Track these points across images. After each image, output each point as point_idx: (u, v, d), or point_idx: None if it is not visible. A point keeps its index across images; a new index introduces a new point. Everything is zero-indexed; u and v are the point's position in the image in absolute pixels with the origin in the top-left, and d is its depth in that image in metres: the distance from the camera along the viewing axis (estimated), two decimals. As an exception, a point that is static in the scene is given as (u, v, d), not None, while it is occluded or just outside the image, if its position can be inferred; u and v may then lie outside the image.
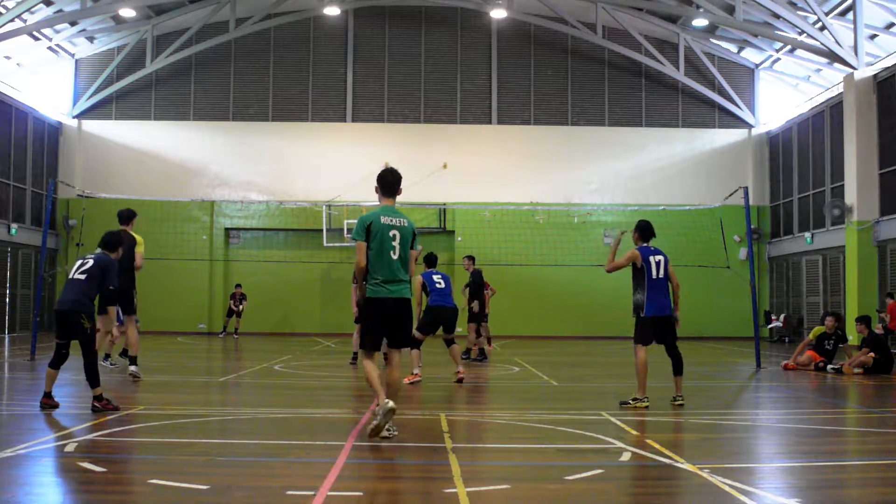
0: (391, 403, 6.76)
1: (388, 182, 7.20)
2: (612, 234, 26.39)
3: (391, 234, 6.97)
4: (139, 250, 11.40)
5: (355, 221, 7.43)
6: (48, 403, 8.31)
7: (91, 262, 8.62)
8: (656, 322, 9.22)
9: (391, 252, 6.96)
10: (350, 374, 13.39)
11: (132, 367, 11.26)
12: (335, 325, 24.89)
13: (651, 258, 9.20)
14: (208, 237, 26.45)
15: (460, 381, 11.50)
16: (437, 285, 11.78)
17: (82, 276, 8.50)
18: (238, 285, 24.52)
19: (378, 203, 7.26)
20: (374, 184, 7.26)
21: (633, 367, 9.59)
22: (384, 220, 7.01)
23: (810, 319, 23.74)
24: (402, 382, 7.80)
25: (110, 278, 8.66)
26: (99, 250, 8.89)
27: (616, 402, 9.46)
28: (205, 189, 26.43)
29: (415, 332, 11.66)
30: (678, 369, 9.42)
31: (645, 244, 9.39)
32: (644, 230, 9.41)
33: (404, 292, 7.07)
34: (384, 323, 7.05)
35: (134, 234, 11.51)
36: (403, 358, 7.74)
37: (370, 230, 6.95)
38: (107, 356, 12.54)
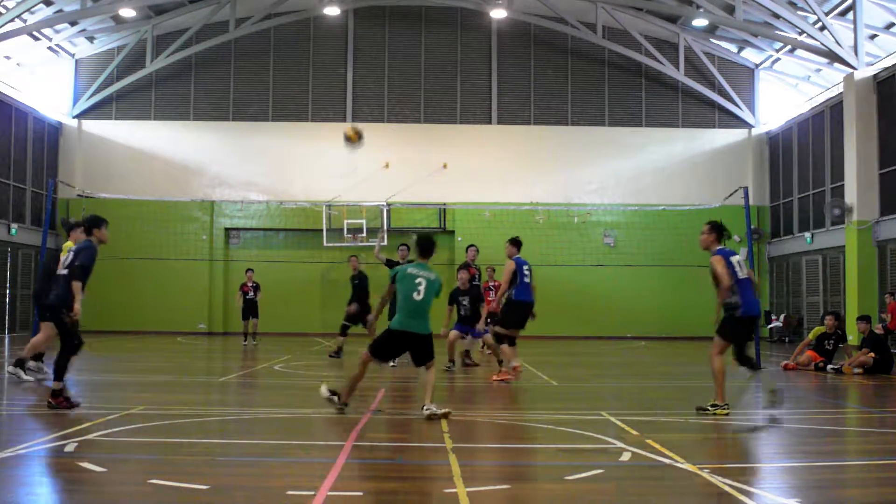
0: (436, 410, 8.09)
1: (425, 247, 8.58)
2: (611, 234, 26.40)
3: (416, 281, 8.24)
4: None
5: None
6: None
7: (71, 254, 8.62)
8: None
9: (414, 293, 8.20)
10: (349, 374, 13.36)
11: (12, 369, 10.58)
12: (335, 325, 24.79)
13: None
14: (208, 237, 26.43)
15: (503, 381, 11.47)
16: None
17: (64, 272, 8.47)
18: (249, 270, 20.98)
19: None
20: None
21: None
22: (410, 270, 8.37)
23: (810, 319, 23.73)
24: (433, 383, 8.45)
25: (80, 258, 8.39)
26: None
27: (615, 402, 9.46)
28: (205, 189, 26.42)
29: (497, 329, 11.73)
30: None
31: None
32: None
33: (422, 328, 8.28)
34: (400, 349, 8.45)
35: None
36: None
37: (396, 278, 8.38)
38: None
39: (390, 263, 13.96)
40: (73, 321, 8.32)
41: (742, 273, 8.53)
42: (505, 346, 11.41)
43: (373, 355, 8.37)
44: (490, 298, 15.67)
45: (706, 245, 8.81)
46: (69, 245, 10.37)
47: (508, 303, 11.49)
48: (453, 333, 13.48)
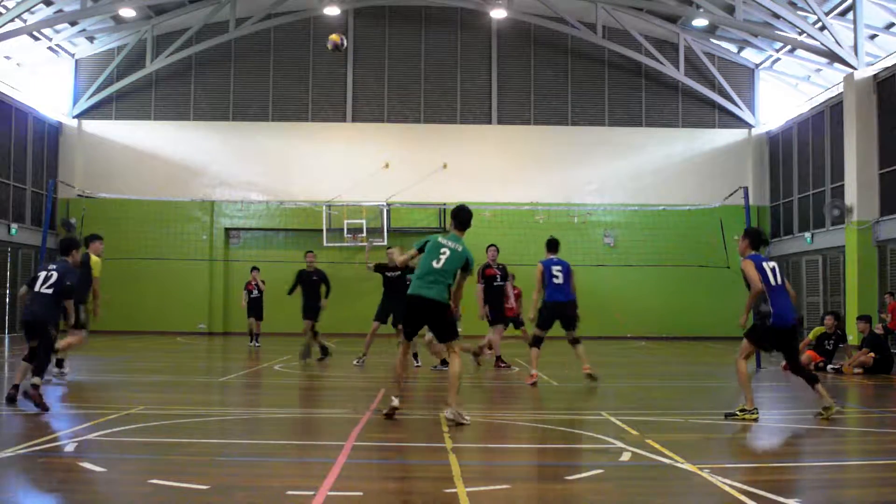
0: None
1: (462, 219, 8.57)
2: (611, 234, 26.40)
3: (441, 250, 8.18)
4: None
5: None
6: (14, 396, 8.53)
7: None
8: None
9: (434, 261, 8.09)
10: (349, 373, 13.39)
11: (55, 369, 10.94)
12: (335, 325, 24.86)
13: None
14: (208, 237, 26.44)
15: (590, 377, 11.38)
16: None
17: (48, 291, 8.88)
18: (254, 269, 20.55)
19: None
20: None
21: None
22: (441, 240, 8.31)
23: (810, 319, 23.72)
24: (458, 377, 7.96)
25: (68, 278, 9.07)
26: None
27: (616, 401, 9.46)
28: (205, 189, 26.41)
29: (536, 331, 11.67)
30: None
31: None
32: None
33: (437, 295, 8.01)
34: (418, 319, 8.15)
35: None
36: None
37: (426, 245, 8.29)
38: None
39: (379, 268, 14.03)
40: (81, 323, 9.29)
41: (776, 281, 8.37)
42: (534, 350, 11.55)
43: (403, 331, 8.19)
44: (508, 306, 15.11)
45: (741, 251, 8.86)
46: (96, 260, 10.76)
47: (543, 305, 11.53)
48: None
